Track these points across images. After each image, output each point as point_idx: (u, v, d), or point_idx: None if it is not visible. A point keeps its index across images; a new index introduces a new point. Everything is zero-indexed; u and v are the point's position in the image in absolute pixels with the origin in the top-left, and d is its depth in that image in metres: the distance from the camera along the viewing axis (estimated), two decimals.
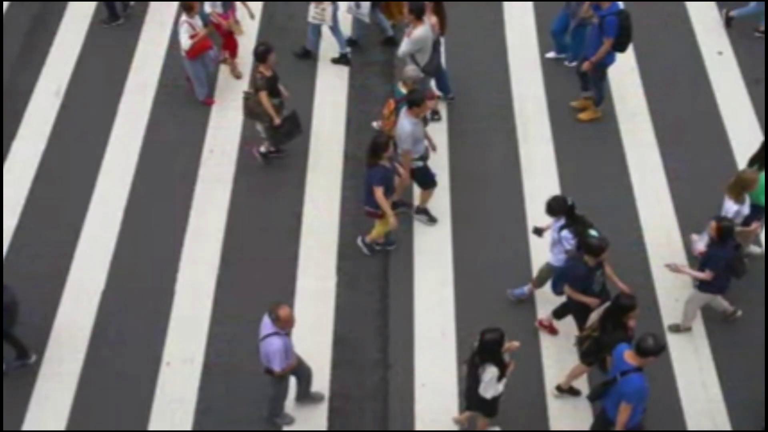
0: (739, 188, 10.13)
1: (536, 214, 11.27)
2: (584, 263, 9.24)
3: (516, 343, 8.80)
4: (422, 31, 11.87)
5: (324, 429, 9.81)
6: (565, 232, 9.75)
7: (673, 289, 10.83)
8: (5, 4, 14.92)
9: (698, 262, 10.04)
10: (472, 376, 8.72)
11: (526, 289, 10.77)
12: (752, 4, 14.09)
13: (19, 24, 14.61)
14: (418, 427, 9.82)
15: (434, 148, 11.59)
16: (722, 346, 10.41)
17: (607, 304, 9.09)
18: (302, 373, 9.58)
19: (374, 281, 11.17)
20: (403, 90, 11.26)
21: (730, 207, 10.11)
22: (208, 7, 13.12)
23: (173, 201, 12.04)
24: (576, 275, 9.34)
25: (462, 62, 13.86)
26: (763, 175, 10.34)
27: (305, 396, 9.87)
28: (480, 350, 8.53)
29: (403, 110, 10.84)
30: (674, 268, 9.96)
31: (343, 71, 13.91)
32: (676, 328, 10.50)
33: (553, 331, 10.49)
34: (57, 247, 11.47)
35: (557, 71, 13.76)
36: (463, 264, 11.26)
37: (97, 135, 12.91)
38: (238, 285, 11.08)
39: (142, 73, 13.83)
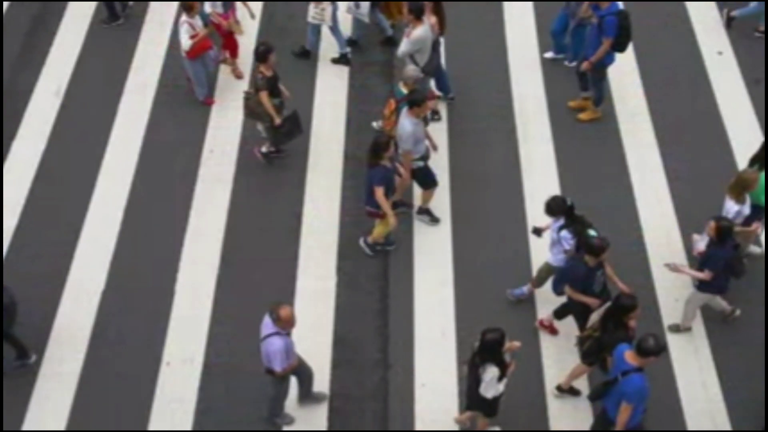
0: (739, 188, 10.13)
1: (536, 214, 11.27)
2: (585, 263, 9.24)
3: (517, 343, 8.80)
4: (421, 31, 11.87)
5: (324, 429, 9.81)
6: (564, 233, 9.75)
7: (673, 289, 10.83)
8: (5, 4, 14.92)
9: (698, 262, 10.05)
10: (472, 376, 8.72)
11: (525, 289, 10.77)
12: (753, 4, 14.10)
13: (19, 24, 14.62)
14: (418, 427, 9.81)
15: (435, 148, 11.60)
16: (722, 346, 10.41)
17: (608, 304, 9.09)
18: (303, 373, 9.58)
19: (374, 281, 11.17)
20: (404, 90, 11.26)
21: (731, 207, 10.11)
22: (208, 7, 13.12)
23: (173, 201, 12.04)
24: (576, 275, 9.34)
25: (462, 62, 13.87)
26: (763, 175, 10.34)
27: (307, 396, 9.87)
28: (481, 350, 8.53)
29: (404, 110, 10.84)
30: (673, 268, 9.96)
31: (343, 71, 13.91)
32: (676, 328, 10.50)
33: (553, 331, 10.49)
34: (57, 247, 11.47)
35: (557, 71, 13.76)
36: (463, 264, 11.26)
37: (97, 135, 12.91)
38: (238, 285, 11.08)
39: (142, 73, 13.83)
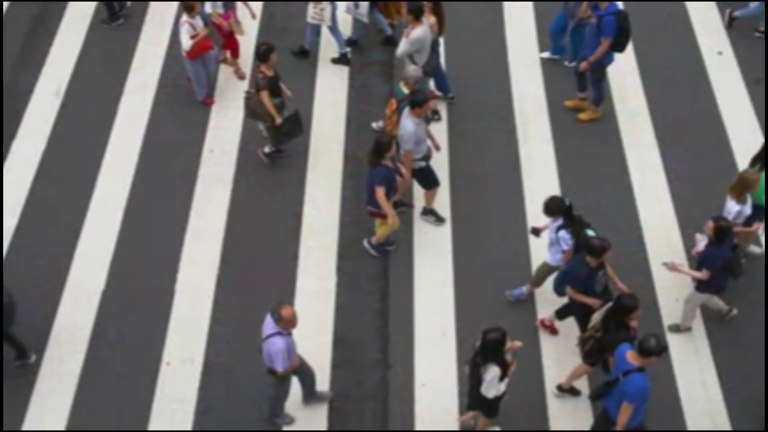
0: (741, 188, 10.12)
1: (536, 214, 11.26)
2: (586, 264, 9.24)
3: (518, 343, 8.79)
4: (421, 31, 11.87)
5: (324, 429, 9.81)
6: (563, 233, 9.75)
7: (673, 289, 10.83)
8: (5, 4, 14.92)
9: (696, 261, 10.05)
10: (474, 375, 8.72)
11: (524, 289, 10.77)
12: (753, 4, 14.10)
13: (19, 24, 14.61)
14: (418, 427, 9.81)
15: (438, 148, 11.60)
16: (722, 346, 10.41)
17: (609, 304, 9.09)
18: (304, 373, 9.57)
19: (374, 281, 11.17)
20: (405, 90, 11.25)
21: (732, 207, 10.11)
22: (208, 8, 13.11)
23: (173, 201, 12.04)
24: (578, 276, 9.33)
25: (462, 62, 13.87)
26: (764, 175, 10.34)
27: (312, 397, 9.87)
28: (482, 350, 8.53)
29: (406, 110, 10.83)
30: (671, 267, 9.97)
31: (343, 71, 13.91)
32: (676, 328, 10.50)
33: (553, 331, 10.49)
34: (57, 247, 11.47)
35: (557, 71, 13.76)
36: (463, 264, 11.26)
37: (97, 135, 12.91)
38: (238, 285, 11.08)
39: (142, 73, 13.82)
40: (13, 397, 10.03)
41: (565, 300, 9.98)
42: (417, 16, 11.80)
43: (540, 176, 12.25)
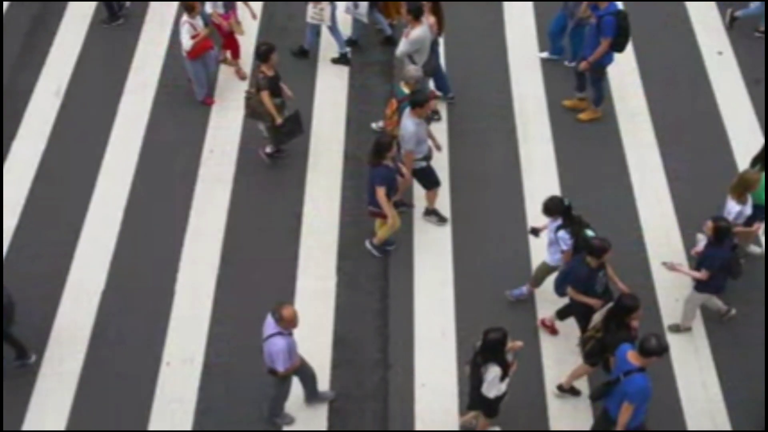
0: (741, 188, 10.12)
1: (536, 214, 11.24)
2: (587, 264, 9.24)
3: (519, 343, 8.79)
4: (420, 31, 11.87)
5: (324, 429, 9.81)
6: (562, 233, 9.75)
7: (673, 289, 10.83)
8: (5, 4, 14.92)
9: (695, 261, 10.05)
10: (474, 375, 8.72)
11: (524, 289, 10.77)
12: (754, 4, 14.11)
13: (19, 24, 14.61)
14: (418, 427, 9.81)
15: (439, 148, 11.60)
16: (722, 346, 10.42)
17: (610, 304, 9.09)
18: (305, 373, 9.57)
19: (374, 281, 11.17)
20: (406, 90, 11.25)
21: (732, 207, 10.11)
22: (209, 8, 13.11)
23: (173, 201, 12.04)
24: (578, 277, 9.33)
25: (462, 62, 13.87)
26: (764, 175, 10.34)
27: (314, 397, 9.87)
28: (483, 350, 8.53)
29: (407, 110, 10.83)
30: (670, 267, 9.98)
31: (343, 71, 13.91)
32: (676, 328, 10.50)
33: (554, 331, 10.49)
34: (57, 247, 11.47)
35: (557, 71, 13.76)
36: (463, 264, 11.26)
37: (97, 135, 12.91)
38: (238, 285, 11.08)
39: (142, 73, 13.82)
40: (13, 397, 10.03)
41: (565, 300, 9.98)
42: (416, 16, 11.80)
43: (540, 176, 12.25)
